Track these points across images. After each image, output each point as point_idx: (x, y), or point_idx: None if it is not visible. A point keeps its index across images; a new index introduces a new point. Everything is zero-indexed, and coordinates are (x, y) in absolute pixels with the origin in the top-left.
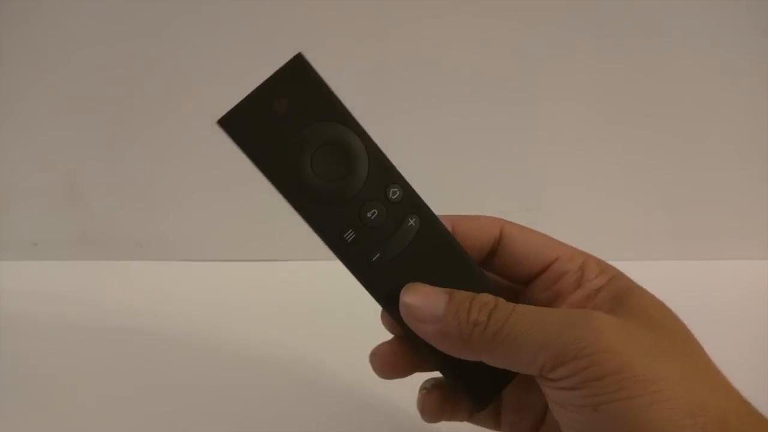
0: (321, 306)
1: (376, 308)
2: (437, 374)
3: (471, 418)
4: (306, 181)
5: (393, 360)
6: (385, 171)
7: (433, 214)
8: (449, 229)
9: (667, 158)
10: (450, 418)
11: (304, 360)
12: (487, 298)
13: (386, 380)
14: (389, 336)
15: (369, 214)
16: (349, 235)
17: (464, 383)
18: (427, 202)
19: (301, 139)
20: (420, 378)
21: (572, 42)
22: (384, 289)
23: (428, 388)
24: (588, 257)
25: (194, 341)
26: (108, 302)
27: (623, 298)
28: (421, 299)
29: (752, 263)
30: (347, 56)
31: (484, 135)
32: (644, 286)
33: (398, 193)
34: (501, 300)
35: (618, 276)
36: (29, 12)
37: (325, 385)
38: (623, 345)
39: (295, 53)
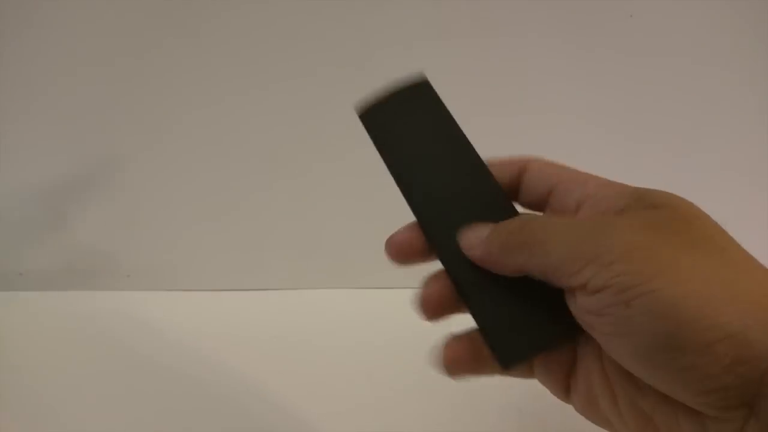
0: (312, 335)
1: (368, 335)
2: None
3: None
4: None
5: (410, 243)
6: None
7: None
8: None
9: None
10: (475, 372)
11: (296, 390)
12: (526, 214)
13: (378, 405)
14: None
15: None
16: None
17: (496, 334)
18: None
19: (415, 139)
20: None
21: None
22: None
23: (455, 337)
24: (590, 176)
25: (182, 371)
26: (94, 333)
27: (644, 198)
28: (472, 230)
29: None
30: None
31: None
32: None
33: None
34: (539, 214)
35: (628, 185)
36: (15, 39)
37: (316, 415)
38: (647, 240)
39: (420, 73)
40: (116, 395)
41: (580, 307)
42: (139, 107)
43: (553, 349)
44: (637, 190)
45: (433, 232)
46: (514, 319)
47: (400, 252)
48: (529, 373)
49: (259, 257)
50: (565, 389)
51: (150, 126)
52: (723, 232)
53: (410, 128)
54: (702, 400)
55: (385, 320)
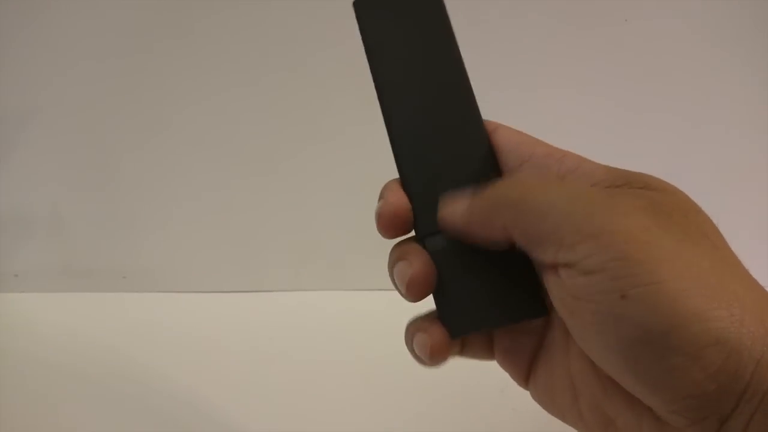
0: (309, 337)
1: (366, 337)
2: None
3: (462, 351)
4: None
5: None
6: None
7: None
8: None
9: None
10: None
11: (294, 391)
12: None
13: (375, 406)
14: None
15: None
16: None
17: (452, 303)
18: None
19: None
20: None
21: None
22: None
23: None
24: (567, 152)
25: (177, 373)
26: (91, 334)
27: (635, 180)
28: (449, 204)
29: None
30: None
31: None
32: None
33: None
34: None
35: (609, 166)
36: (13, 40)
37: (314, 416)
38: (652, 223)
39: None
40: (112, 397)
41: (563, 287)
42: (136, 108)
43: (510, 324)
44: (623, 171)
45: (411, 179)
46: (475, 288)
47: (393, 224)
48: (488, 356)
49: (257, 259)
50: (524, 377)
51: (147, 127)
52: (716, 229)
53: (406, 35)
54: (675, 407)
55: (382, 322)
